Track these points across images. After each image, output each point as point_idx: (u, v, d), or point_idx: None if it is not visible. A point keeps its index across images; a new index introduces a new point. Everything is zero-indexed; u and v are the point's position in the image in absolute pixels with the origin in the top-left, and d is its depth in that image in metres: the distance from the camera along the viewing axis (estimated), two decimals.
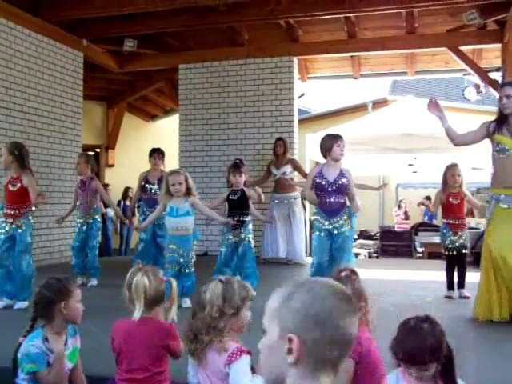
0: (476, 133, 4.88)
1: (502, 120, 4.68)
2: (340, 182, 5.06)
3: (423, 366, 2.11)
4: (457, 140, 4.94)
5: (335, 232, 5.07)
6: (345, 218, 5.11)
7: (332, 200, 5.05)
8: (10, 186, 5.50)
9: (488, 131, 4.74)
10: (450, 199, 5.91)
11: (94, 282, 6.73)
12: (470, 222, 8.33)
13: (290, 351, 1.31)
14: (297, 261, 8.76)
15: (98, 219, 6.82)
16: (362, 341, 2.51)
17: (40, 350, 2.78)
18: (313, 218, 5.26)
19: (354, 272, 2.70)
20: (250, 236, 6.01)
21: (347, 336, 1.35)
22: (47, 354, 2.80)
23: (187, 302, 5.22)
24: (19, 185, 5.46)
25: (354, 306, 1.40)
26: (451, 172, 5.94)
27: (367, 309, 2.64)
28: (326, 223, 5.10)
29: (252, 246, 6.04)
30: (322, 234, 5.13)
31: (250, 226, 6.07)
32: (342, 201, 5.12)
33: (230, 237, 5.96)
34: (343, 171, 5.13)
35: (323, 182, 5.07)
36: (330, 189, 5.04)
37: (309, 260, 9.11)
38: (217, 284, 2.65)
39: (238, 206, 5.94)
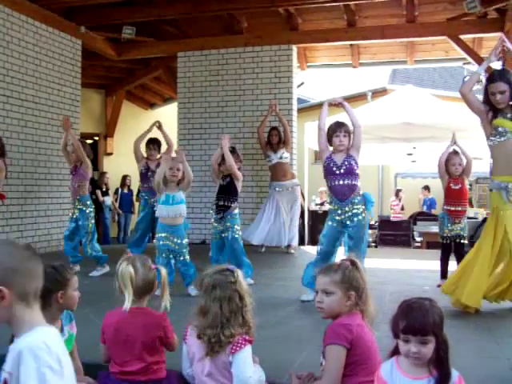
0: (478, 102, 4.79)
1: (495, 110, 4.65)
2: (347, 164, 5.02)
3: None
4: (464, 89, 4.78)
5: (348, 222, 5.03)
6: (359, 206, 5.06)
7: (341, 183, 5.01)
8: None
9: (485, 111, 4.70)
10: (451, 185, 5.93)
11: (95, 272, 6.64)
12: (469, 211, 8.31)
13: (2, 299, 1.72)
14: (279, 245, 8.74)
15: (86, 209, 6.64)
16: (353, 328, 2.50)
17: None
18: (327, 207, 5.17)
19: (351, 262, 2.68)
20: (236, 226, 6.03)
21: (34, 272, 1.88)
22: None
23: (194, 290, 5.22)
24: None
25: (31, 251, 1.88)
26: (451, 162, 5.94)
27: (364, 298, 2.63)
28: (340, 213, 5.05)
29: (238, 236, 6.05)
30: (335, 224, 5.07)
31: (237, 216, 6.10)
32: (352, 184, 5.05)
33: (216, 224, 6.05)
34: (350, 153, 5.08)
35: (331, 165, 5.04)
36: (337, 172, 5.01)
37: (306, 247, 9.13)
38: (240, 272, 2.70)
39: (225, 191, 6.05)
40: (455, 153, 6.03)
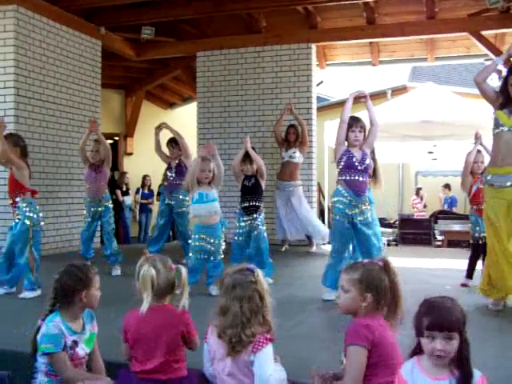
0: (493, 92, 4.76)
1: (507, 102, 4.60)
2: (366, 162, 5.02)
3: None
4: (478, 77, 4.73)
5: (359, 218, 5.00)
6: (368, 204, 5.05)
7: (360, 179, 5.00)
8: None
9: (497, 100, 4.67)
10: (478, 184, 5.90)
11: (117, 271, 6.72)
12: None
13: None
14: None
15: (109, 206, 6.80)
16: (374, 329, 2.48)
17: (59, 331, 2.81)
18: (335, 199, 5.14)
19: (384, 263, 2.63)
20: (263, 225, 6.05)
21: None
22: (65, 334, 2.83)
23: (215, 290, 5.21)
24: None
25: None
26: (474, 159, 5.92)
27: (386, 302, 2.59)
28: (352, 207, 5.01)
29: (265, 235, 6.06)
30: (343, 219, 5.05)
31: (263, 215, 6.10)
32: (367, 181, 5.08)
33: (243, 224, 6.02)
34: (365, 151, 5.07)
35: (353, 159, 5.01)
36: (359, 167, 5.00)
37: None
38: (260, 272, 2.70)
39: (251, 191, 6.04)
40: (478, 151, 6.01)
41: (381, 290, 2.58)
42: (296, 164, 8.70)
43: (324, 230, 8.72)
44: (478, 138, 6.09)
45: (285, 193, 8.74)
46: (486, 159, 6.04)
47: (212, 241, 5.34)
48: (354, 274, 2.62)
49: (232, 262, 5.70)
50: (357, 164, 5.00)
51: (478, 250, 5.90)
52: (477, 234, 5.90)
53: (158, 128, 7.41)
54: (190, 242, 5.56)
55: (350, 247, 5.43)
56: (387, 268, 2.61)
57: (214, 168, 5.39)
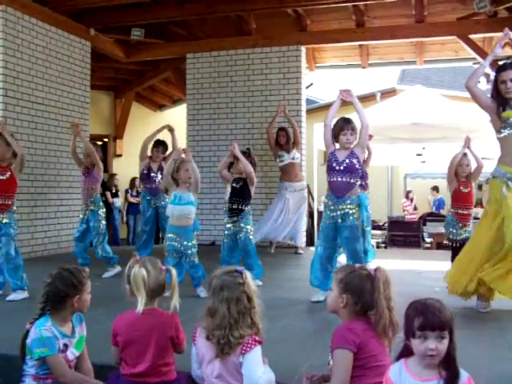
0: (485, 96, 4.77)
1: (503, 102, 4.62)
2: (348, 162, 5.00)
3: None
4: (469, 82, 4.69)
5: (339, 221, 5.02)
6: (353, 206, 5.04)
7: (338, 179, 5.00)
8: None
9: (493, 106, 4.66)
10: (461, 188, 5.96)
11: (107, 273, 6.68)
12: (479, 212, 8.27)
13: None
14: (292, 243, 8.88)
15: (98, 211, 6.72)
16: (359, 332, 2.51)
17: (52, 334, 2.80)
18: (324, 201, 5.19)
19: (376, 269, 2.65)
20: (249, 227, 6.04)
21: None
22: (58, 337, 2.81)
23: (203, 292, 5.24)
24: (9, 174, 5.49)
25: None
26: (459, 162, 5.97)
27: (365, 306, 2.59)
28: (333, 209, 5.04)
29: (251, 237, 6.07)
30: (328, 222, 5.09)
31: (250, 217, 6.10)
32: (351, 182, 5.02)
33: (229, 225, 6.03)
34: (354, 151, 5.06)
35: (332, 160, 5.03)
36: (337, 168, 4.99)
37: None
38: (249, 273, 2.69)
39: (239, 194, 6.04)
40: (464, 154, 6.05)
41: (359, 293, 2.59)
42: (298, 165, 8.79)
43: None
44: (466, 141, 6.14)
45: (299, 193, 8.74)
46: (473, 163, 6.10)
47: (183, 242, 5.36)
48: (339, 275, 2.69)
49: (221, 263, 5.71)
50: (335, 165, 5.01)
51: (457, 251, 5.94)
52: (451, 236, 5.96)
53: (164, 127, 7.42)
54: (164, 242, 5.57)
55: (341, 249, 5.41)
56: (375, 276, 2.60)
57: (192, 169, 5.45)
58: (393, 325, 2.54)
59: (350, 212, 5.00)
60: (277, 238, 8.78)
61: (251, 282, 2.67)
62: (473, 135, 6.65)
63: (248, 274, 2.69)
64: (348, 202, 5.01)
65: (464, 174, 5.95)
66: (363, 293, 2.59)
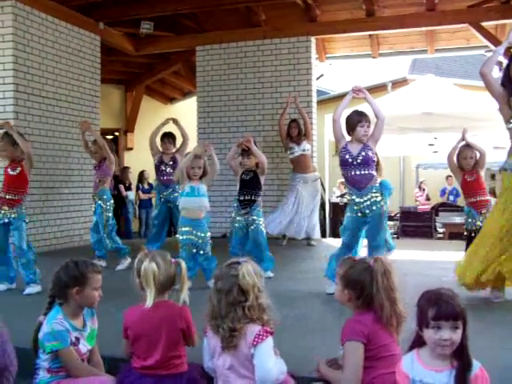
0: (498, 85, 4.67)
1: None
2: (364, 154, 4.96)
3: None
4: (484, 69, 4.60)
5: (367, 211, 4.97)
6: (377, 194, 4.96)
7: (357, 173, 4.96)
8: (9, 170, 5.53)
9: (503, 92, 4.57)
10: (466, 177, 5.89)
11: (121, 265, 6.72)
12: (492, 201, 8.19)
13: None
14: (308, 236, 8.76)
15: (102, 204, 6.75)
16: (368, 323, 2.52)
17: (63, 328, 2.81)
18: (348, 198, 5.16)
19: (375, 260, 2.64)
20: (261, 219, 6.03)
21: None
22: (69, 330, 2.83)
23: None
24: (19, 169, 5.52)
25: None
26: (462, 155, 5.90)
27: (368, 299, 2.59)
28: (357, 201, 5.00)
29: (263, 229, 6.05)
30: (354, 215, 5.01)
31: (261, 209, 6.09)
32: (368, 174, 4.97)
33: (240, 218, 6.02)
34: (367, 143, 5.02)
35: (347, 156, 4.98)
36: (354, 162, 4.95)
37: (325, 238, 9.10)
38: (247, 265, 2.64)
39: (249, 185, 6.04)
40: (467, 145, 5.95)
41: (360, 287, 2.60)
42: (309, 156, 8.74)
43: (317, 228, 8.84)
44: (463, 133, 6.04)
45: (311, 185, 8.70)
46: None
47: (198, 233, 5.35)
48: (341, 269, 2.71)
49: (230, 254, 5.71)
50: (351, 160, 4.97)
51: (471, 240, 5.90)
52: (469, 227, 5.90)
53: (167, 121, 7.44)
54: (177, 236, 5.56)
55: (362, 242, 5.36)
56: (375, 268, 2.61)
57: (205, 165, 5.45)
58: (396, 315, 2.54)
59: (378, 200, 4.95)
60: (296, 236, 8.70)
61: (248, 274, 2.59)
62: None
63: (246, 267, 2.62)
64: (374, 190, 4.97)
65: (469, 167, 5.88)
66: (364, 286, 2.60)
